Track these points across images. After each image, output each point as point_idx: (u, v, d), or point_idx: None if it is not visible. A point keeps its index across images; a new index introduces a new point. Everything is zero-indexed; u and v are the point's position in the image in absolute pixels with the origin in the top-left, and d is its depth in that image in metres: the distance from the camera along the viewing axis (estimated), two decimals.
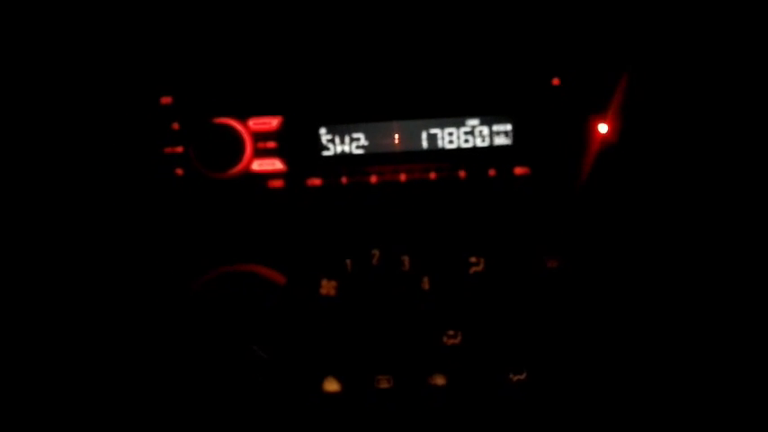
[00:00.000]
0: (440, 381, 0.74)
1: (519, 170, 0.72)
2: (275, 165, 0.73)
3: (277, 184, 0.73)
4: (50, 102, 0.72)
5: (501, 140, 0.72)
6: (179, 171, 0.73)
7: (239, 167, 0.71)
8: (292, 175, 0.73)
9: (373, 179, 0.73)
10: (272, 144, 0.72)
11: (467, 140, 0.72)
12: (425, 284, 0.74)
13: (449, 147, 0.72)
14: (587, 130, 0.70)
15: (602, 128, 0.69)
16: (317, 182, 0.73)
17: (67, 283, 0.73)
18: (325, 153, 0.73)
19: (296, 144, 0.73)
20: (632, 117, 0.68)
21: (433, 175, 0.73)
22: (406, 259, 0.74)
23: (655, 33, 0.68)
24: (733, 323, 0.71)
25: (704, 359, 0.72)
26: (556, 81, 0.70)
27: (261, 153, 0.73)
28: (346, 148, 0.73)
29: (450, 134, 0.72)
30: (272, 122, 0.72)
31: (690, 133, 0.68)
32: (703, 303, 0.71)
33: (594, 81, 0.69)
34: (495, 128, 0.72)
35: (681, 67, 0.68)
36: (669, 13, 0.67)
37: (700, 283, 0.71)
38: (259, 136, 0.72)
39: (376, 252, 0.74)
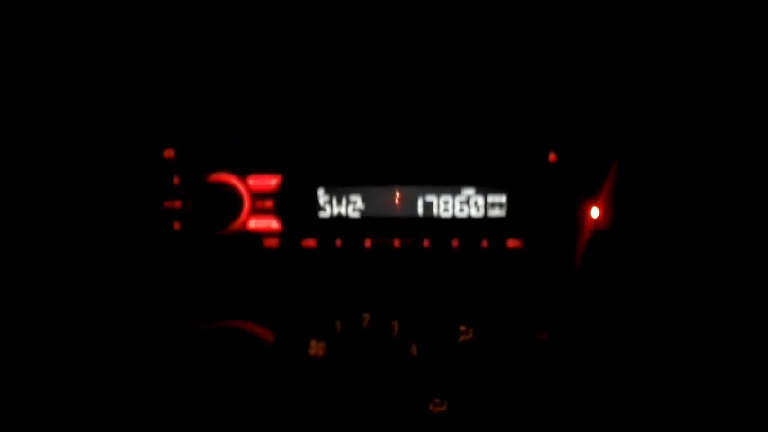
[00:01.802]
0: None
1: (512, 243, 0.73)
2: (272, 224, 0.74)
3: (272, 243, 0.74)
4: (54, 147, 0.73)
5: (495, 212, 0.73)
6: (176, 225, 0.74)
7: (236, 225, 0.72)
8: (288, 235, 0.74)
9: (368, 243, 0.74)
10: (269, 203, 0.73)
11: (462, 210, 0.73)
12: (414, 350, 0.74)
13: (444, 215, 0.73)
14: (580, 211, 0.71)
15: (594, 212, 0.70)
16: (311, 243, 0.74)
17: (61, 331, 0.74)
18: (322, 215, 0.74)
19: (293, 204, 0.74)
20: (623, 204, 0.69)
21: (426, 243, 0.73)
22: (395, 324, 0.74)
23: (645, 122, 0.69)
24: (722, 387, 0.71)
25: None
26: (552, 157, 0.71)
27: (258, 211, 0.73)
28: (343, 211, 0.74)
29: (446, 202, 0.73)
30: (271, 182, 0.73)
31: (682, 225, 0.69)
32: (694, 383, 0.72)
33: (588, 163, 0.70)
34: (491, 199, 0.73)
35: (672, 158, 0.69)
36: (659, 104, 0.69)
37: (689, 364, 0.71)
38: (257, 195, 0.73)
39: (366, 315, 0.74)
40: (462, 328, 0.74)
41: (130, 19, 0.73)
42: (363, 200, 0.73)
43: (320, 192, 0.74)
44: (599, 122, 0.71)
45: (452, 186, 0.73)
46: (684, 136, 0.69)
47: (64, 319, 0.74)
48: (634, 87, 0.70)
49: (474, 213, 0.73)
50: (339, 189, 0.73)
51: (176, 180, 0.73)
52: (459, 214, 0.73)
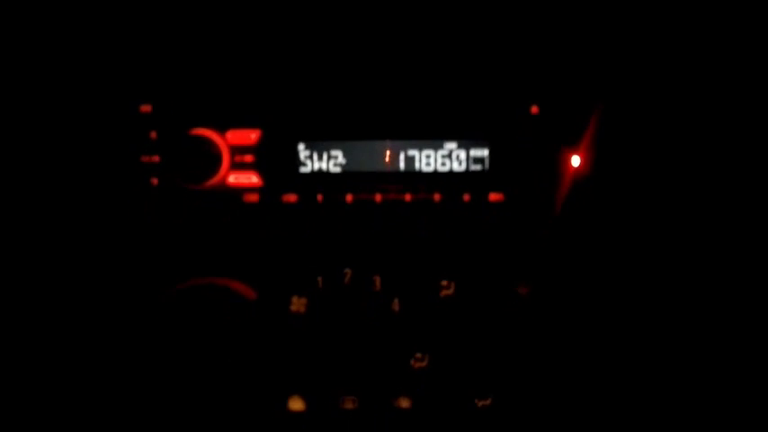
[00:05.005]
0: (405, 403, 0.74)
1: (494, 196, 0.73)
2: (251, 179, 0.73)
3: (252, 198, 0.73)
4: (27, 104, 0.71)
5: (477, 165, 0.72)
6: (154, 180, 0.73)
7: (215, 180, 0.71)
8: (268, 190, 0.73)
9: (349, 198, 0.73)
10: (249, 158, 0.73)
11: (444, 164, 0.73)
12: (396, 306, 0.74)
13: (426, 169, 0.73)
14: (561, 161, 0.71)
15: (575, 160, 0.70)
16: (292, 198, 0.73)
17: (38, 288, 0.73)
18: (303, 169, 0.73)
19: (273, 159, 0.73)
20: (605, 151, 0.69)
21: (408, 197, 0.73)
22: (377, 279, 0.74)
23: (627, 70, 0.69)
24: (707, 353, 0.72)
25: (675, 391, 0.72)
26: (534, 109, 0.71)
27: (238, 166, 0.73)
28: (324, 166, 0.73)
29: (428, 157, 0.73)
30: (251, 136, 0.72)
31: (662, 170, 0.69)
32: (674, 334, 0.72)
33: (570, 113, 0.70)
34: (473, 152, 0.72)
35: (653, 104, 0.69)
36: (638, 54, 0.68)
37: (670, 315, 0.72)
38: (237, 149, 0.72)
39: (348, 271, 0.74)
40: (444, 282, 0.74)
41: None
42: (344, 154, 0.73)
43: (301, 146, 0.73)
44: (580, 73, 0.70)
45: (434, 140, 0.72)
46: (664, 84, 0.69)
47: (41, 277, 0.72)
48: (613, 39, 0.70)
49: (456, 167, 0.73)
50: (320, 143, 0.73)
51: (154, 135, 0.72)
52: (440, 168, 0.73)
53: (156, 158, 0.72)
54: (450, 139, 0.72)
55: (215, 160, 0.71)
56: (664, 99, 0.69)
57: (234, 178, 0.73)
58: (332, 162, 0.73)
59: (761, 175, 0.68)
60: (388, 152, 0.73)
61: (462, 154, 0.72)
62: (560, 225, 0.72)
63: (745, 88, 0.68)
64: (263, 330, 0.73)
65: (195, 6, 0.71)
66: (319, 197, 0.73)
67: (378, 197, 0.73)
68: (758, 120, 0.68)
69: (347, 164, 0.73)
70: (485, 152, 0.72)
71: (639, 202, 0.70)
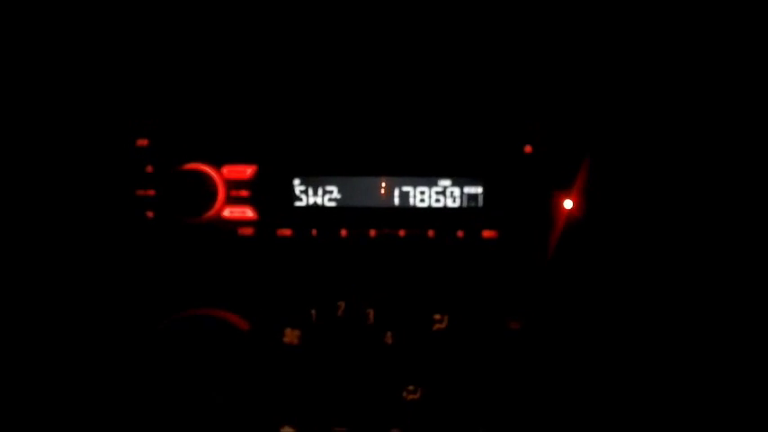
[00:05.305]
0: None
1: (487, 233, 0.73)
2: (246, 213, 0.73)
3: (247, 232, 0.74)
4: (27, 136, 0.72)
5: (471, 202, 0.73)
6: (150, 214, 0.73)
7: (210, 214, 0.72)
8: (263, 224, 0.74)
9: (343, 232, 0.74)
10: (244, 192, 0.73)
11: (438, 200, 0.73)
12: (388, 339, 0.74)
13: (420, 205, 0.73)
14: (554, 203, 0.71)
15: (567, 204, 0.70)
16: (287, 232, 0.74)
17: (34, 318, 0.73)
18: (298, 204, 0.74)
19: (269, 193, 0.73)
20: (596, 196, 0.69)
21: (402, 233, 0.73)
22: (370, 313, 0.74)
23: (617, 115, 0.70)
24: (704, 382, 0.73)
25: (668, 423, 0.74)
26: (528, 149, 0.71)
27: (233, 200, 0.73)
28: (319, 200, 0.73)
29: (422, 193, 0.73)
30: (247, 171, 0.73)
31: (652, 218, 0.70)
32: (664, 371, 0.73)
33: (563, 155, 0.70)
34: (467, 190, 0.73)
35: (644, 151, 0.69)
36: (631, 98, 0.69)
37: (660, 352, 0.73)
38: (232, 183, 0.73)
39: (341, 304, 0.75)
40: (437, 316, 0.74)
41: (105, 9, 0.71)
42: (340, 189, 0.73)
43: (296, 181, 0.73)
44: (573, 115, 0.71)
45: (429, 177, 0.73)
46: (655, 129, 0.70)
47: (36, 308, 0.73)
48: (607, 81, 0.70)
49: (450, 204, 0.73)
50: (315, 179, 0.73)
51: (149, 169, 0.72)
52: (435, 204, 0.73)
53: (151, 192, 0.73)
54: (445, 176, 0.72)
55: (210, 194, 0.71)
56: (654, 147, 0.69)
57: (229, 212, 0.73)
58: (327, 197, 0.73)
59: (750, 216, 0.69)
60: (382, 187, 0.73)
61: (456, 191, 0.73)
62: (553, 264, 0.72)
63: (731, 136, 0.68)
64: (256, 361, 0.74)
65: (192, 42, 0.72)
66: (314, 231, 0.74)
67: (372, 232, 0.73)
68: (743, 163, 0.68)
69: (342, 199, 0.73)
70: (479, 189, 0.72)
71: (631, 245, 0.71)
